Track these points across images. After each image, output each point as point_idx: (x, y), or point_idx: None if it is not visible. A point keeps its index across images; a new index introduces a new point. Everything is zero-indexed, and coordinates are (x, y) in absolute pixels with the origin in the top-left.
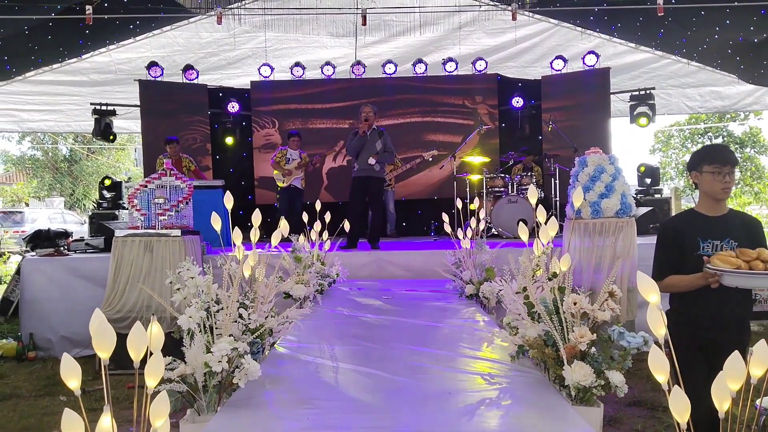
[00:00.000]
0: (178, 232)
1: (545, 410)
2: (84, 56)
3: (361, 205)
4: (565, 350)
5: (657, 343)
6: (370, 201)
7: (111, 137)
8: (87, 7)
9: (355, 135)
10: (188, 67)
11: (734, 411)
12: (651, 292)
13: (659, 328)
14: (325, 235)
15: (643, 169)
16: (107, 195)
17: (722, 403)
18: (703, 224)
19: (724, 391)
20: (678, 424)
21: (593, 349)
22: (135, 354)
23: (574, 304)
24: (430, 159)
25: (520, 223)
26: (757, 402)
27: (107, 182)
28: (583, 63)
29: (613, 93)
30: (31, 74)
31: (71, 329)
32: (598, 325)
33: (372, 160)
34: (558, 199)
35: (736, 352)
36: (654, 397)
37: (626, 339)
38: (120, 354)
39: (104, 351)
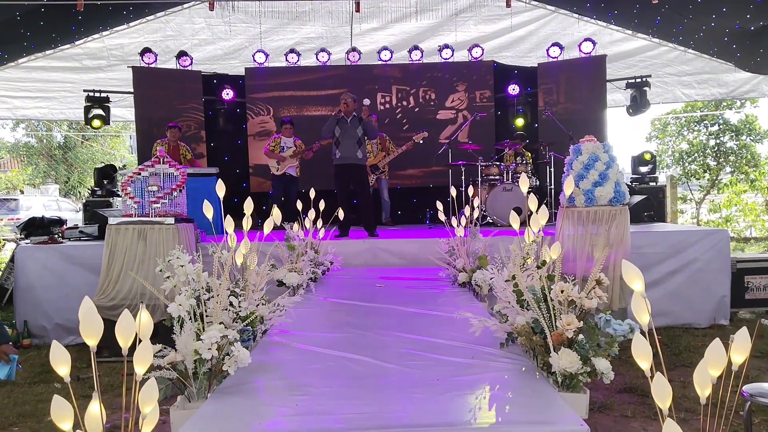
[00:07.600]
0: (171, 220)
1: (532, 397)
2: (77, 42)
3: (348, 193)
4: (552, 337)
5: (642, 330)
6: (355, 189)
7: (98, 125)
8: None
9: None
10: (182, 54)
11: (717, 397)
12: (636, 280)
13: (643, 315)
14: (319, 223)
15: (649, 156)
16: (106, 183)
17: (703, 390)
18: None
19: (704, 378)
20: (660, 409)
21: (580, 337)
22: (123, 341)
23: (561, 291)
24: (420, 141)
25: (512, 211)
26: (744, 388)
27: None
28: (580, 50)
29: (609, 81)
30: (23, 60)
31: (66, 317)
32: (586, 312)
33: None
34: (552, 187)
35: (717, 339)
36: (644, 384)
37: (612, 326)
38: (115, 341)
39: (92, 338)
